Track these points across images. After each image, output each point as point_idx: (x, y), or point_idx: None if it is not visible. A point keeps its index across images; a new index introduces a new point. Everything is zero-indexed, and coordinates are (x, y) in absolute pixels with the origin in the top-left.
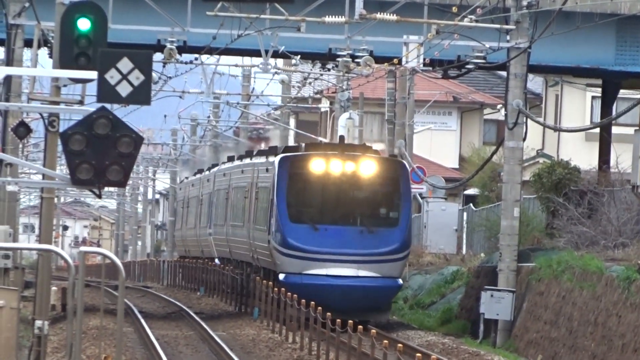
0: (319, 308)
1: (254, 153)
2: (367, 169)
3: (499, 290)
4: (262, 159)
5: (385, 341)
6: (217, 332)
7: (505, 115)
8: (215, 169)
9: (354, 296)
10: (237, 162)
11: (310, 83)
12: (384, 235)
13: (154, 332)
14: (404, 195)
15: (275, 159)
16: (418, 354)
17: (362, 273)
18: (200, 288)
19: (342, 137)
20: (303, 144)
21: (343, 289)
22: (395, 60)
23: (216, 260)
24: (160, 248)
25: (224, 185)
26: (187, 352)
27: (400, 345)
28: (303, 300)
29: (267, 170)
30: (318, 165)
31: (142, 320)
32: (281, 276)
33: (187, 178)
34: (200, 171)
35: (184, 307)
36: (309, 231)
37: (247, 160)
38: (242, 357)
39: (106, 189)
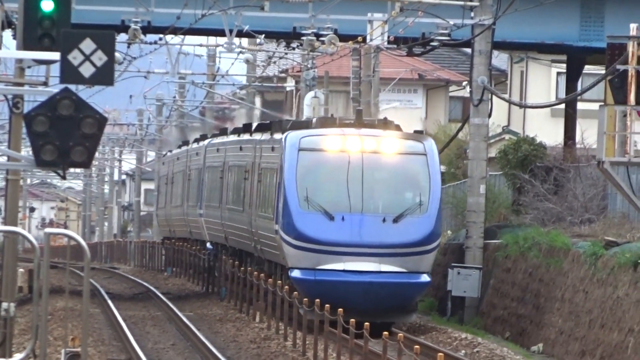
0: (340, 310)
1: (253, 128)
2: (390, 147)
3: (466, 267)
4: (266, 136)
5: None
6: (184, 312)
7: (471, 92)
8: (206, 142)
9: (375, 295)
10: (233, 137)
11: (275, 62)
12: (410, 223)
13: (121, 313)
14: (432, 177)
15: (284, 137)
16: (385, 332)
17: (385, 268)
18: (168, 268)
19: (359, 111)
20: (314, 119)
21: (363, 287)
22: (360, 39)
23: (208, 245)
24: (127, 229)
25: (217, 161)
26: (154, 333)
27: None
28: (317, 301)
29: (272, 149)
30: (333, 144)
31: (109, 301)
32: (292, 272)
33: (170, 151)
34: (186, 143)
35: (151, 288)
36: (323, 220)
37: (245, 136)
38: (210, 337)
39: (72, 170)
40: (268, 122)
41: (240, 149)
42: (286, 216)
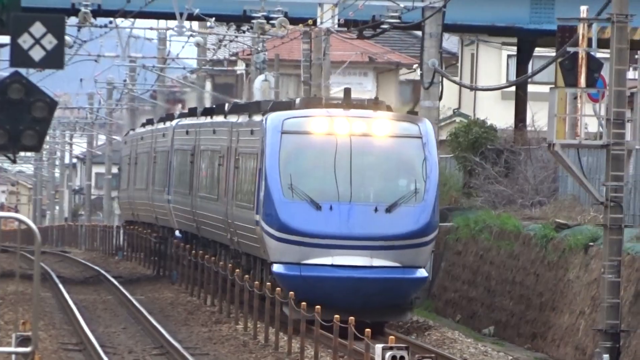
0: (317, 307)
1: (227, 109)
2: (382, 129)
3: None
4: (243, 118)
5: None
6: (136, 296)
7: (421, 74)
8: (174, 122)
9: (366, 291)
10: (204, 119)
11: (225, 45)
12: (405, 213)
13: (72, 297)
14: (429, 162)
15: (264, 119)
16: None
17: (378, 262)
18: (119, 252)
19: (347, 90)
20: (297, 99)
21: (353, 283)
22: (310, 22)
23: (177, 233)
24: (78, 213)
25: (187, 145)
26: (105, 316)
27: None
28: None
29: (251, 132)
30: (319, 126)
31: (60, 285)
32: (275, 267)
33: (133, 130)
34: (150, 122)
35: (103, 272)
36: (309, 210)
37: (219, 118)
38: (161, 320)
39: (23, 154)
40: (244, 103)
41: (214, 132)
42: (268, 206)
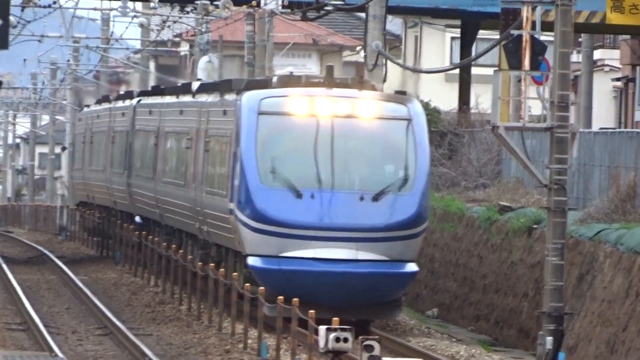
0: (295, 299)
1: (195, 88)
2: (368, 110)
3: None
4: (214, 97)
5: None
6: (79, 277)
7: (365, 56)
8: (134, 101)
9: (351, 287)
10: (170, 99)
11: (169, 26)
12: (393, 202)
13: (15, 277)
14: (419, 146)
15: (239, 98)
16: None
17: (363, 255)
18: (62, 232)
19: (330, 67)
20: (274, 78)
21: (336, 278)
22: (254, 3)
23: (136, 219)
24: (21, 192)
25: (150, 125)
26: (49, 296)
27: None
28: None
29: (224, 112)
30: (300, 107)
31: (4, 265)
32: (251, 260)
33: (88, 106)
34: (106, 99)
35: (46, 252)
36: (288, 197)
37: (186, 98)
38: (105, 300)
39: None
40: (213, 81)
41: (181, 112)
42: (243, 193)
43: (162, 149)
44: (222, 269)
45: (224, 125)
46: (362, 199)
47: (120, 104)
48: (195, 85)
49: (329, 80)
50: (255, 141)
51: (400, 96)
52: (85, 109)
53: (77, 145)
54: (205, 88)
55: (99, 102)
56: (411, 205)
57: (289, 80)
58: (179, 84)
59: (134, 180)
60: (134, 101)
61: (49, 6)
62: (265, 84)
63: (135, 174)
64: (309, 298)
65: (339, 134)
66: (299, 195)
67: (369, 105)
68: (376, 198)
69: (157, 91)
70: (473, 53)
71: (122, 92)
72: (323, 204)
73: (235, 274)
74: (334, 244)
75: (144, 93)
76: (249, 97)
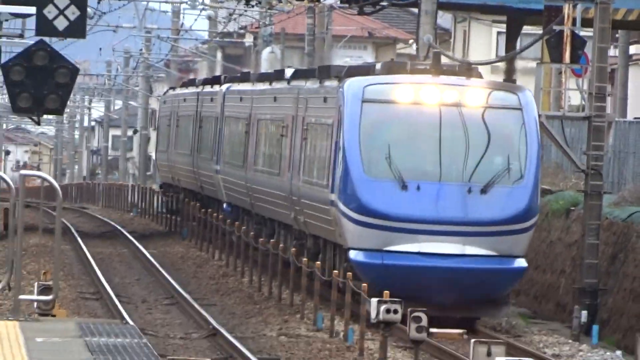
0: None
1: (289, 75)
2: (476, 99)
3: None
4: (312, 84)
5: None
6: (149, 250)
7: (417, 49)
8: (224, 87)
9: (457, 283)
10: (261, 86)
11: (235, 19)
12: (502, 195)
13: (89, 250)
14: (529, 137)
15: (342, 85)
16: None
17: (471, 250)
18: (134, 209)
19: (437, 54)
20: (378, 64)
21: (442, 273)
22: None
23: (225, 206)
24: (95, 172)
25: (240, 113)
26: (120, 268)
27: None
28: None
29: (324, 100)
30: (405, 95)
31: (79, 239)
32: (353, 254)
33: (173, 89)
34: (192, 82)
35: (118, 227)
36: (393, 189)
37: (280, 85)
38: (172, 273)
39: (45, 116)
40: (307, 68)
41: (275, 99)
42: (346, 184)
43: (254, 136)
44: (318, 262)
45: (324, 113)
46: (470, 191)
47: (208, 89)
48: (288, 72)
49: (436, 68)
50: (358, 130)
51: (511, 84)
52: (171, 92)
53: (162, 128)
54: (300, 74)
55: (184, 85)
56: (521, 198)
57: (393, 67)
58: (273, 71)
59: (223, 167)
60: (224, 87)
61: None
62: (367, 70)
63: (225, 161)
64: (413, 293)
65: (446, 123)
66: (404, 187)
67: (478, 93)
68: (485, 190)
69: (247, 78)
70: (517, 47)
71: (208, 78)
72: (429, 197)
73: (317, 262)
74: (441, 238)
75: (233, 79)
76: (352, 84)
